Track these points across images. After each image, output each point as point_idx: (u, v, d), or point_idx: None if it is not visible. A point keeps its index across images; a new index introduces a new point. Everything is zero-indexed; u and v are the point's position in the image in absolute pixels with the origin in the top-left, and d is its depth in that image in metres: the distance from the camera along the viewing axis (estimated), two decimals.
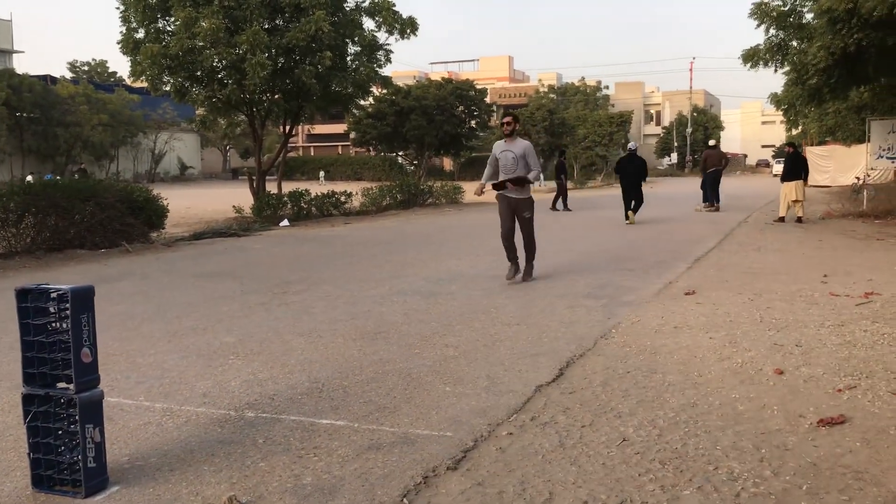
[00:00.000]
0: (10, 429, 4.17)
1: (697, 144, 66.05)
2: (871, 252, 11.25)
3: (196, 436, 4.00)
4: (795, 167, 16.65)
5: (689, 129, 66.94)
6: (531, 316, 6.88)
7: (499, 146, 8.92)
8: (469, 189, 28.83)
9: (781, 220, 16.57)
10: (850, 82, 16.06)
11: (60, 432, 3.33)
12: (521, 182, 8.67)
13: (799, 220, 16.37)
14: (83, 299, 3.27)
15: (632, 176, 17.27)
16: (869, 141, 19.29)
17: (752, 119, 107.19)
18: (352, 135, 34.85)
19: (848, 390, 4.52)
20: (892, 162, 19.13)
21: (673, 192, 32.79)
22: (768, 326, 6.21)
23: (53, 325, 3.32)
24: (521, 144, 8.76)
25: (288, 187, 21.74)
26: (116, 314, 7.35)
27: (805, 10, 15.09)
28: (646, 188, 19.54)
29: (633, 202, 17.10)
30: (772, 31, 15.79)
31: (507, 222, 8.90)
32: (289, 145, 23.81)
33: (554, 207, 21.86)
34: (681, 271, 9.54)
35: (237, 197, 23.97)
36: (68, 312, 3.24)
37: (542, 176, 7.75)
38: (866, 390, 4.52)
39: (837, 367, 5.01)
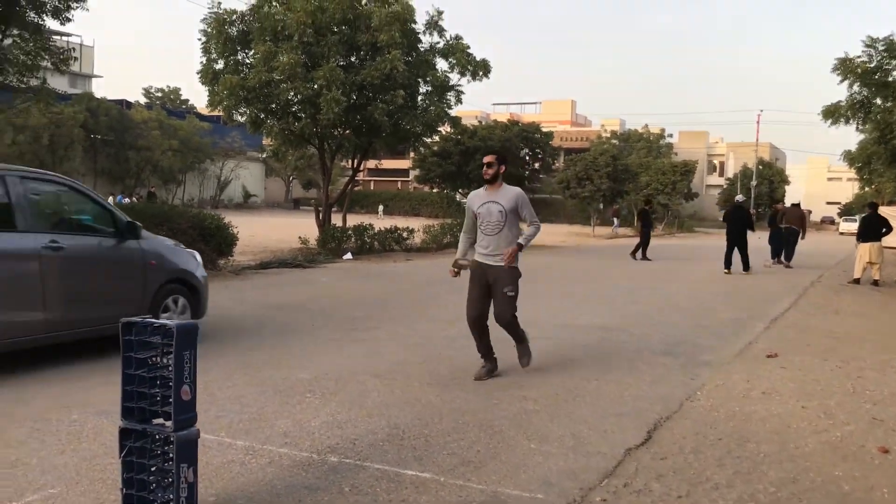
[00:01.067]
0: (97, 457, 4.16)
1: (762, 198, 64.87)
2: None
3: (281, 479, 3.93)
4: (874, 227, 16.12)
5: (753, 182, 65.81)
6: (609, 371, 6.69)
7: (477, 197, 6.39)
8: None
9: (856, 281, 16.01)
10: None
11: (154, 469, 3.29)
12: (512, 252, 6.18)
13: (875, 282, 15.81)
14: (187, 336, 3.24)
15: (736, 227, 17.82)
16: None
17: (818, 174, 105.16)
18: (415, 171, 35.08)
19: None
20: None
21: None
22: (863, 398, 5.92)
23: (155, 359, 3.30)
24: (510, 193, 6.27)
25: (349, 220, 21.91)
26: None
27: (891, 67, 14.73)
28: (709, 239, 19.19)
29: (732, 254, 17.67)
30: (855, 88, 15.43)
31: (477, 302, 6.27)
32: (355, 179, 24.06)
33: (634, 256, 21.61)
34: (758, 332, 9.23)
35: (300, 227, 24.23)
36: (172, 348, 3.21)
37: (539, 227, 6.46)
38: None
39: None
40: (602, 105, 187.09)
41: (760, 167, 68.58)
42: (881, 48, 14.68)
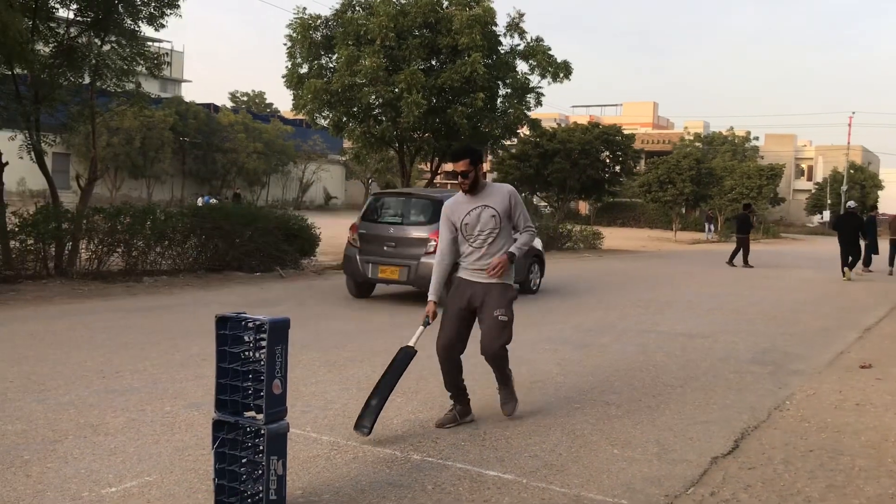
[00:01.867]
0: (189, 448, 4.30)
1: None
2: None
3: (365, 474, 3.99)
4: None
5: (844, 187, 63.37)
6: (694, 378, 6.55)
7: (459, 206, 4.94)
8: (609, 235, 28.22)
9: None
10: None
11: (245, 461, 3.38)
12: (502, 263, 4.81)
13: None
14: (280, 331, 3.32)
15: (848, 234, 17.86)
16: None
17: None
18: (493, 174, 35.08)
19: None
20: None
21: (825, 252, 30.99)
22: None
23: (248, 353, 3.39)
24: (501, 192, 4.93)
25: None
26: None
27: None
28: (797, 246, 18.71)
29: (849, 258, 17.74)
30: None
31: (454, 327, 4.88)
32: (427, 181, 24.20)
33: (732, 262, 20.90)
34: (850, 341, 8.89)
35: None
36: (264, 343, 3.30)
37: (535, 233, 5.08)
38: None
39: None
40: (685, 107, 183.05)
41: (852, 171, 65.99)
42: None
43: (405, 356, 4.81)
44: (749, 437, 4.91)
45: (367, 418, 4.53)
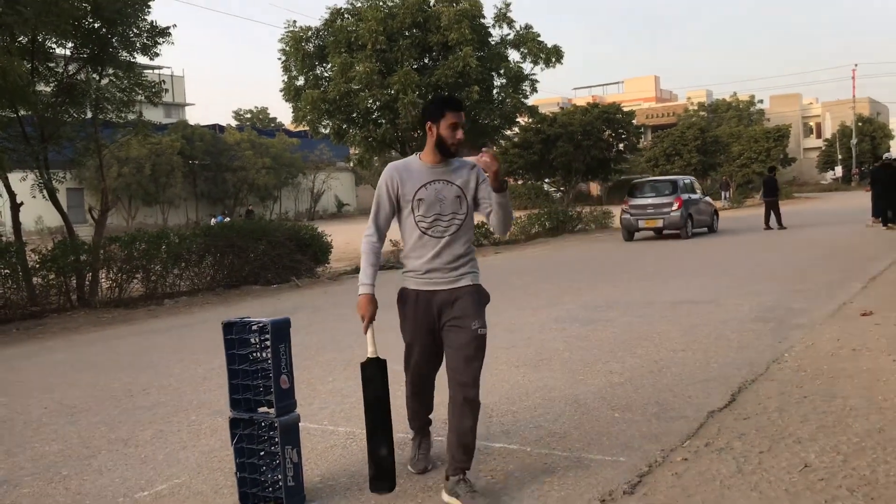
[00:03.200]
0: (215, 451, 4.59)
1: (864, 156, 62.04)
2: None
3: None
4: None
5: (853, 141, 63.00)
6: (696, 341, 6.76)
7: (405, 172, 3.73)
8: (618, 212, 28.40)
9: None
10: None
11: (263, 453, 3.65)
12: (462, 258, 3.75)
13: None
14: (281, 330, 3.59)
15: (885, 184, 18.55)
16: None
17: None
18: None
19: None
20: None
21: (839, 208, 30.95)
22: None
23: (255, 354, 3.67)
24: (465, 168, 3.72)
25: None
26: (294, 345, 7.78)
27: None
28: (809, 204, 18.85)
29: (889, 211, 18.47)
30: None
31: (424, 351, 3.86)
32: None
33: (768, 226, 20.73)
34: (855, 291, 9.05)
35: (391, 231, 24.76)
36: (268, 343, 3.57)
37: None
38: None
39: None
40: (687, 78, 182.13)
41: (860, 124, 65.53)
42: None
43: (378, 370, 3.81)
44: (746, 390, 5.12)
45: (384, 478, 3.64)
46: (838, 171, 66.14)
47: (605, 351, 6.63)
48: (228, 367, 3.68)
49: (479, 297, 3.75)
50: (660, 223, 19.65)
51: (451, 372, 3.65)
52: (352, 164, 47.85)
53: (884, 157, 19.93)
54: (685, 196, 19.93)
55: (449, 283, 3.71)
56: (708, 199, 22.50)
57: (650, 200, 19.95)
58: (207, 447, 4.69)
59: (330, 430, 4.83)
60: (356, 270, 15.78)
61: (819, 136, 76.29)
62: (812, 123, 79.88)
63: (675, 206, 19.40)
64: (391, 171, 3.75)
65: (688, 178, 22.17)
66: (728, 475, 3.67)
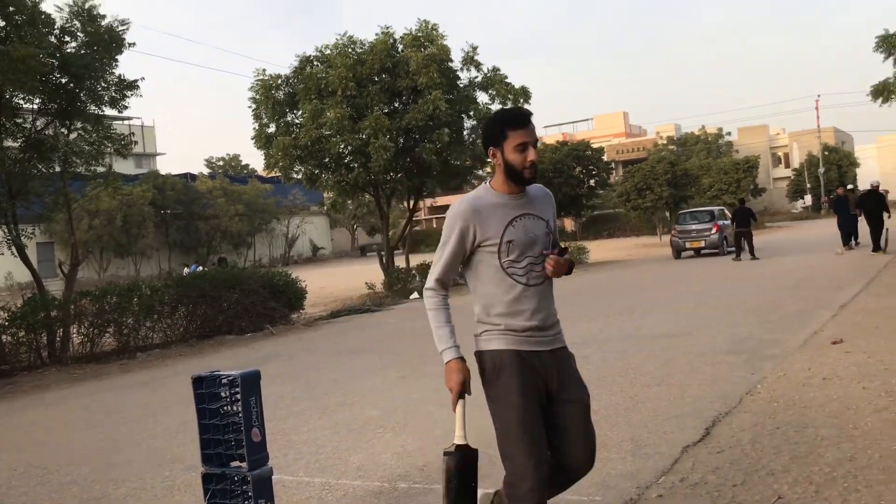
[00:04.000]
0: None
1: (832, 184, 63.12)
2: None
3: None
4: None
5: (821, 169, 64.16)
6: (671, 376, 6.80)
7: (485, 207, 2.94)
8: (596, 248, 28.45)
9: None
10: None
11: None
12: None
13: None
14: (251, 383, 3.58)
15: (872, 211, 18.99)
16: None
17: (890, 153, 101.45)
18: None
19: None
20: None
21: (810, 237, 31.40)
22: None
23: (226, 408, 3.64)
24: (544, 195, 3.10)
25: (415, 260, 22.35)
26: (268, 395, 7.71)
27: None
28: (780, 233, 19.02)
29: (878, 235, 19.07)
30: None
31: (537, 429, 2.91)
32: (413, 219, 24.55)
33: (738, 257, 21.18)
34: (825, 320, 9.16)
35: (367, 273, 24.78)
36: (239, 396, 3.55)
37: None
38: None
39: None
40: (656, 113, 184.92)
41: (826, 153, 66.83)
42: None
43: (468, 461, 3.03)
44: (720, 423, 5.16)
45: None
46: (808, 199, 67.23)
47: None
48: (199, 421, 3.65)
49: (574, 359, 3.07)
50: (702, 244, 24.18)
51: (573, 457, 3.02)
52: (325, 208, 47.98)
53: (871, 184, 20.30)
54: (721, 222, 24.59)
55: (549, 345, 2.96)
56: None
57: (694, 227, 24.72)
58: (181, 503, 4.62)
59: (305, 482, 4.78)
60: (332, 315, 15.75)
61: (787, 165, 77.59)
62: (780, 153, 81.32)
63: (713, 231, 24.07)
64: (468, 207, 2.93)
65: (720, 208, 27.53)
66: None
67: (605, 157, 36.21)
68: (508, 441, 2.90)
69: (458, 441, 2.83)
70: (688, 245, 24.59)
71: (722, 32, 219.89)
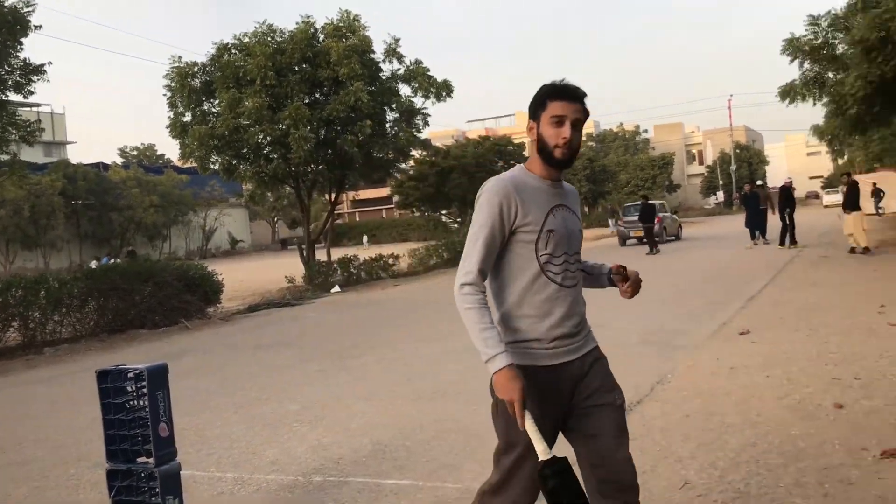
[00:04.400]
0: None
1: (742, 181, 65.50)
2: None
3: (268, 502, 4.15)
4: (850, 198, 16.25)
5: (733, 167, 66.52)
6: None
7: (525, 191, 2.50)
8: None
9: (866, 250, 15.55)
10: (893, 109, 15.91)
11: None
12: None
13: (852, 250, 16.03)
14: (158, 377, 3.47)
15: (783, 207, 19.92)
16: None
17: (797, 151, 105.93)
18: (395, 198, 35.46)
19: None
20: None
21: (721, 231, 32.49)
22: (826, 361, 6.17)
23: (132, 403, 3.52)
24: (571, 191, 2.74)
25: (336, 254, 22.16)
26: (182, 390, 7.56)
27: (837, 41, 15.10)
28: (694, 228, 19.54)
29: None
30: (806, 66, 15.82)
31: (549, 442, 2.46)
32: (335, 212, 24.33)
33: (654, 249, 22.82)
34: (734, 311, 9.49)
35: (288, 267, 24.45)
36: (145, 390, 3.44)
37: None
38: None
39: None
40: None
41: (738, 151, 69.29)
42: (825, 24, 15.08)
43: (562, 469, 2.36)
44: (631, 412, 5.27)
45: None
46: (720, 195, 69.59)
47: None
48: (104, 417, 3.51)
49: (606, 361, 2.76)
50: (643, 233, 25.41)
51: (600, 471, 2.51)
52: (244, 201, 47.13)
53: (785, 181, 20.75)
54: (662, 214, 27.06)
55: (577, 351, 2.61)
56: (675, 216, 30.86)
57: (636, 217, 26.33)
58: (87, 502, 4.46)
59: (217, 477, 4.68)
60: (250, 309, 15.46)
61: (701, 162, 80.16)
62: (695, 151, 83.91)
63: (655, 222, 25.00)
64: (508, 184, 2.51)
65: (661, 202, 30.44)
66: None
67: (526, 153, 36.57)
68: (509, 459, 2.63)
69: (544, 456, 2.37)
70: (632, 234, 27.32)
71: (642, 32, 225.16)
